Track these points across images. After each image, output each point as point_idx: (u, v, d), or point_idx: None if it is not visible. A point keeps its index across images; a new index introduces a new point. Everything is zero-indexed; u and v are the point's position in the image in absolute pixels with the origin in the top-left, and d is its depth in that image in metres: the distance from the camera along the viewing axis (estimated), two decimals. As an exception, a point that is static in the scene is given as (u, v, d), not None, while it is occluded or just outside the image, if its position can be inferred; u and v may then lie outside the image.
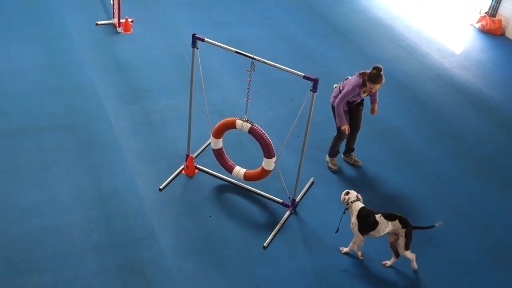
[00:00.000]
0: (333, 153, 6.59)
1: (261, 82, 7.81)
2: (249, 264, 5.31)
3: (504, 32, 10.42)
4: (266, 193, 6.04)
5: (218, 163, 6.06)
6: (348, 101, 6.20)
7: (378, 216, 5.25)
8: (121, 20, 8.81)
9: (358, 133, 6.56)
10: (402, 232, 5.20)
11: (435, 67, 9.02)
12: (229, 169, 5.99)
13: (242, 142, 6.69)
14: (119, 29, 8.82)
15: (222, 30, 9.27)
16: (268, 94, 7.75)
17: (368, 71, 6.04)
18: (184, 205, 5.85)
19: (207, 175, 6.24)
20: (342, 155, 6.77)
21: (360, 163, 6.69)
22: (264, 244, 5.49)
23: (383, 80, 6.01)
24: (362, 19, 10.40)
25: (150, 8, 9.72)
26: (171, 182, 6.09)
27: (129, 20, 8.95)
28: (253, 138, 5.67)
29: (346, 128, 6.18)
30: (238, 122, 5.59)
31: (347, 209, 5.41)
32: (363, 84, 6.06)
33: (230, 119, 5.69)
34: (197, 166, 6.28)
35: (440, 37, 9.98)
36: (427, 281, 5.37)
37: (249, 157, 6.49)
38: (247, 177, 5.90)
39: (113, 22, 8.96)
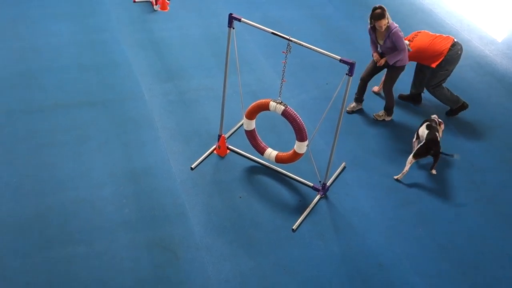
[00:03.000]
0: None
1: (296, 65, 7.75)
2: (278, 246, 5.33)
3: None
4: (297, 176, 6.03)
5: (250, 145, 6.07)
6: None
7: (425, 125, 6.30)
8: (158, -2, 8.84)
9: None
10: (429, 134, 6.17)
11: (475, 54, 8.80)
12: (261, 151, 5.99)
13: (275, 124, 6.68)
14: (156, 7, 8.85)
15: (257, 10, 9.21)
16: (302, 77, 7.69)
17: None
18: (215, 185, 5.89)
19: (238, 156, 6.26)
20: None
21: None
22: (293, 227, 5.50)
23: (385, 17, 6.37)
24: (401, 3, 10.18)
25: (187, -13, 9.71)
26: (203, 162, 6.14)
27: (166, -2, 8.97)
28: (286, 120, 5.64)
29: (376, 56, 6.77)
30: (272, 104, 5.57)
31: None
32: (373, 30, 6.58)
33: (263, 100, 5.67)
34: (229, 146, 6.30)
35: (482, 24, 9.71)
36: (456, 272, 5.31)
37: (281, 140, 6.48)
38: (278, 160, 5.90)
39: (151, 0, 8.98)
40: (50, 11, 8.46)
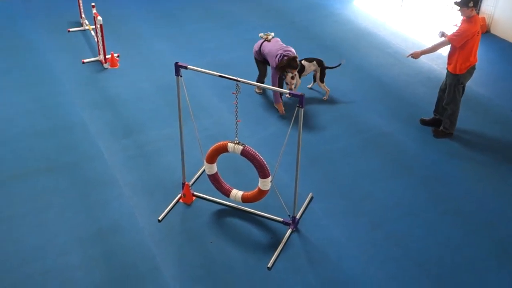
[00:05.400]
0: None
1: (251, 103, 7.82)
2: (254, 286, 5.24)
3: (489, 29, 10.47)
4: (266, 213, 6.00)
5: (215, 188, 6.03)
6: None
7: (302, 61, 7.71)
8: (107, 56, 8.86)
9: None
10: (318, 69, 7.83)
11: (423, 70, 9.04)
12: (226, 193, 5.96)
13: (237, 164, 6.67)
14: (106, 65, 8.87)
15: (207, 55, 9.33)
16: (259, 114, 7.75)
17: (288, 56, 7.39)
18: (184, 233, 5.81)
19: (205, 201, 6.20)
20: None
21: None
22: (268, 265, 5.43)
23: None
24: (348, 30, 10.46)
25: (134, 42, 9.79)
26: (170, 212, 6.06)
27: (115, 55, 9.00)
28: (247, 159, 5.64)
29: (280, 109, 7.69)
30: (230, 145, 5.57)
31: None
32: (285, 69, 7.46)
33: (221, 143, 5.67)
34: (194, 193, 6.25)
35: (426, 40, 10.01)
36: (437, 286, 5.30)
37: (245, 179, 6.46)
38: (245, 199, 5.86)
39: (99, 59, 9.00)
40: (-1, 83, 8.40)
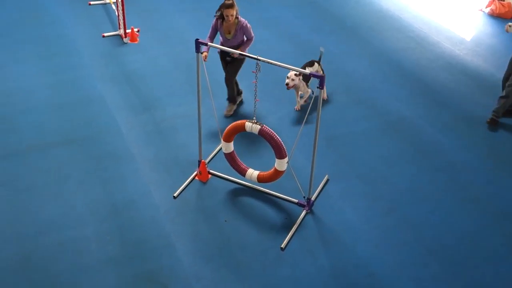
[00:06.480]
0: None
1: (269, 83, 7.77)
2: (267, 266, 5.26)
3: (514, 15, 10.24)
4: (281, 194, 5.99)
5: (231, 167, 6.03)
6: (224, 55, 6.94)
7: (307, 69, 7.17)
8: (127, 31, 8.83)
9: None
10: (319, 68, 7.46)
11: (445, 55, 8.90)
12: (242, 172, 5.96)
13: (254, 144, 6.66)
14: (126, 40, 8.85)
15: (228, 33, 9.24)
16: (277, 94, 7.70)
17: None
18: (199, 211, 5.83)
19: (220, 179, 6.21)
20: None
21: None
22: (282, 246, 5.44)
23: (234, 7, 6.59)
24: (369, 12, 10.31)
25: (154, 17, 9.75)
26: (185, 189, 6.08)
27: (135, 30, 8.98)
28: (264, 139, 5.62)
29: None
30: (247, 124, 5.56)
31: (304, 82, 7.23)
32: (221, 23, 6.68)
33: (239, 122, 5.65)
34: (210, 171, 6.26)
35: (449, 25, 9.85)
36: (448, 273, 5.28)
37: (261, 159, 6.45)
38: (260, 179, 5.86)
39: (120, 33, 8.99)
40: (18, 54, 8.42)
